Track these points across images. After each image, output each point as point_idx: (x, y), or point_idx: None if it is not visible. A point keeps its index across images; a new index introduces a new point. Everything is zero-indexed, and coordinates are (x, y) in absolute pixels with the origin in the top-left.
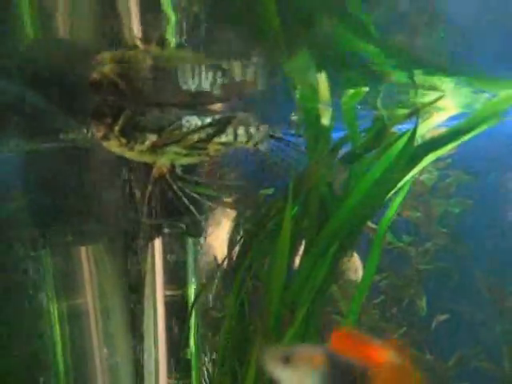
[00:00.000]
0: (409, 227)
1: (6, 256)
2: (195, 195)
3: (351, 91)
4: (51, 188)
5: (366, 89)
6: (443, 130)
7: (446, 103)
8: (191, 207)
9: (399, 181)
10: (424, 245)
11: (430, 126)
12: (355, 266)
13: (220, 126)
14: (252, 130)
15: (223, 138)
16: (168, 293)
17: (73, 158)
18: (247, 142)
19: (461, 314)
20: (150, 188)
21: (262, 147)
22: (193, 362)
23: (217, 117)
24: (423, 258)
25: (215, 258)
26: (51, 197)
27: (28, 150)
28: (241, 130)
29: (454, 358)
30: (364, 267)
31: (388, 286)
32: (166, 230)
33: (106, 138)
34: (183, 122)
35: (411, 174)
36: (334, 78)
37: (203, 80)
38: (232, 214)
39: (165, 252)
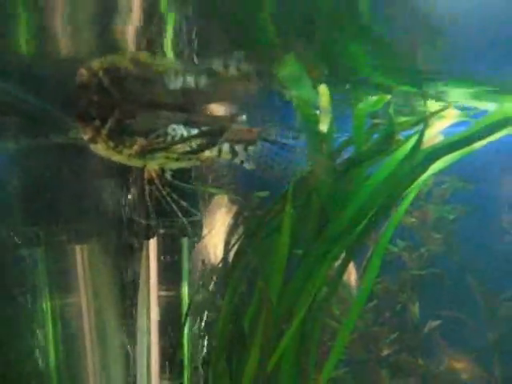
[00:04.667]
0: (403, 232)
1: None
2: (181, 201)
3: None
4: (46, 186)
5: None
6: (443, 137)
7: (449, 110)
8: (178, 212)
9: (405, 188)
10: (418, 250)
11: (431, 133)
12: (348, 269)
13: (211, 138)
14: (238, 147)
15: (207, 153)
16: (162, 293)
17: (68, 156)
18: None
19: (454, 320)
20: (146, 189)
21: (248, 165)
22: (185, 363)
23: (207, 127)
24: (417, 263)
25: (208, 259)
26: (46, 194)
27: (22, 148)
28: (225, 147)
29: (445, 364)
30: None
31: (381, 291)
32: (162, 231)
33: (93, 141)
34: (170, 129)
35: (418, 181)
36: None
37: (194, 81)
38: (227, 216)
39: (159, 252)
